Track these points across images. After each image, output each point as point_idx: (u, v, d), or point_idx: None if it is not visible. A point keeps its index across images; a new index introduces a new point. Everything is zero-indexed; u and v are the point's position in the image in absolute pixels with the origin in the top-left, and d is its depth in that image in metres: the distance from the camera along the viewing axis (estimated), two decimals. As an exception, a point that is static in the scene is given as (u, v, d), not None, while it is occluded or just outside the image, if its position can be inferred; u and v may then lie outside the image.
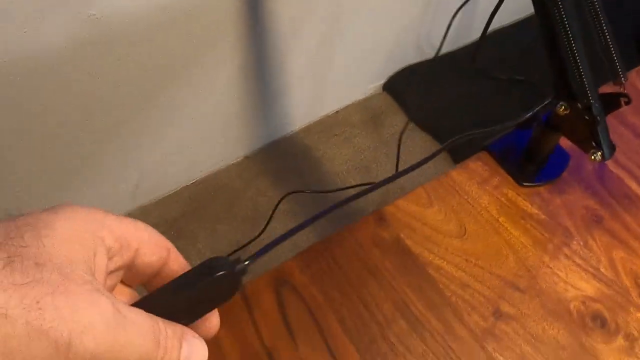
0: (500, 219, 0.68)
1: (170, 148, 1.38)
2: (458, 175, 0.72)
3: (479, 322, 0.61)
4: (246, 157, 1.56)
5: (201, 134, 1.42)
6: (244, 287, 0.63)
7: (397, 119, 1.64)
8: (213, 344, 0.57)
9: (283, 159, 1.55)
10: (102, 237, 0.30)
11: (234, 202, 1.45)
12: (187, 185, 1.49)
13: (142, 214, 1.43)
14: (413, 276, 0.63)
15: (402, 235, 0.66)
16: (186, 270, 0.34)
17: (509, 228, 0.67)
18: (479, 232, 0.67)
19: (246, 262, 0.34)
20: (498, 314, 0.61)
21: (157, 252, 0.34)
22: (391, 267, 0.64)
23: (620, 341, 0.60)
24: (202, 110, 1.36)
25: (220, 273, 0.32)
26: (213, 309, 0.35)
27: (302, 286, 0.63)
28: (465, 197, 0.70)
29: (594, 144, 0.60)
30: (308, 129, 1.62)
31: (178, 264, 0.35)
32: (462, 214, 0.68)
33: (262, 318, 0.61)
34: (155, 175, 1.41)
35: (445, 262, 0.64)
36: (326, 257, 0.64)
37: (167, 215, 1.42)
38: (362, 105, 1.66)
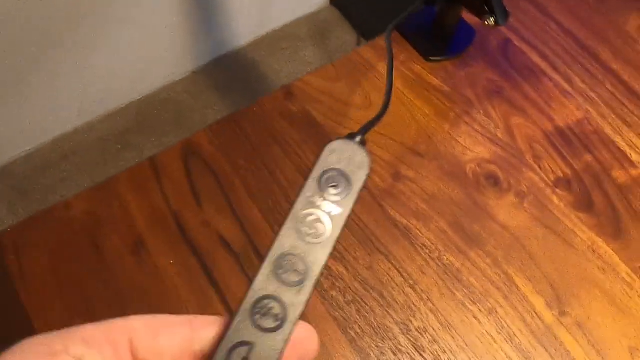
0: (405, 92, 0.70)
1: (114, 63, 1.38)
2: (366, 52, 0.73)
3: (379, 183, 0.64)
4: (194, 72, 1.56)
5: (146, 49, 1.41)
6: (154, 157, 0.65)
7: (344, 33, 1.64)
8: (120, 207, 0.60)
9: (231, 73, 1.55)
10: (55, 353, 0.24)
11: (181, 115, 1.46)
12: (133, 101, 1.50)
13: (89, 129, 1.43)
14: (318, 144, 0.66)
15: (309, 108, 0.68)
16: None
17: (413, 100, 0.70)
18: (384, 103, 0.69)
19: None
20: (397, 177, 0.64)
21: (170, 331, 0.26)
22: (297, 137, 0.66)
23: (511, 198, 0.64)
24: (146, 23, 1.35)
25: None
26: None
27: (210, 156, 0.65)
28: (373, 72, 0.72)
29: (486, 8, 0.62)
30: (255, 44, 1.61)
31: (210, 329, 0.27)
32: (369, 88, 0.70)
33: (170, 185, 0.63)
34: (100, 91, 1.41)
35: (349, 131, 0.67)
36: (234, 129, 0.67)
37: (113, 129, 1.43)
38: (310, 20, 1.66)
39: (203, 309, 0.57)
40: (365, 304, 0.58)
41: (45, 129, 1.39)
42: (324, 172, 0.28)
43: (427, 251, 0.60)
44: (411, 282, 0.59)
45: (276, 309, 0.25)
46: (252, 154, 0.65)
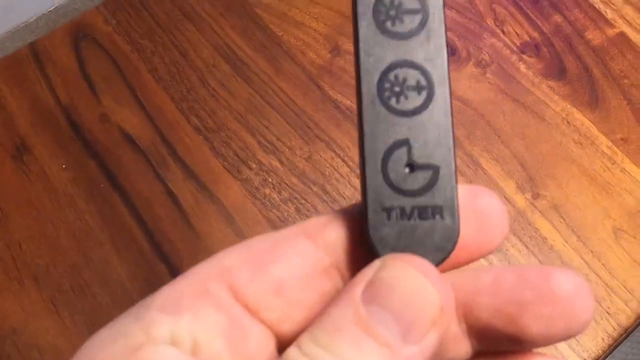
0: (342, -48, 0.58)
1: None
2: None
3: (315, 60, 0.53)
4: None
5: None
6: (34, 43, 0.52)
7: None
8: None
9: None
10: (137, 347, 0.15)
11: None
12: (45, 13, 1.33)
13: None
14: (238, 18, 0.54)
15: (225, -25, 0.56)
16: None
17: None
18: (316, -33, 0.57)
19: None
20: (336, 51, 0.54)
21: (281, 253, 0.17)
22: (212, 9, 0.54)
23: (471, 68, 0.54)
24: None
25: None
26: None
27: (105, 37, 0.53)
28: None
29: None
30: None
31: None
32: (297, -51, 0.58)
33: (57, 75, 0.51)
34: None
35: (275, 0, 0.55)
36: (134, 4, 0.54)
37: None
38: None
39: (106, 220, 0.46)
40: (306, 200, 0.48)
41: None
42: None
43: (376, 135, 0.50)
44: (359, 172, 0.49)
45: (412, 77, 0.16)
46: (159, 32, 0.53)
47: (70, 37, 0.52)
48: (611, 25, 0.56)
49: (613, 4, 0.57)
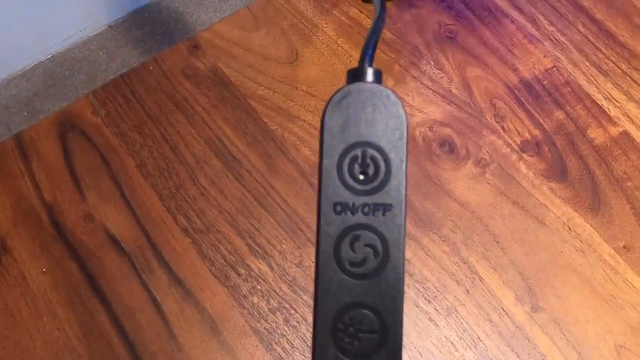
0: (340, 40, 0.57)
1: (12, 17, 1.19)
2: (291, -8, 0.60)
3: (309, 156, 0.51)
4: (110, 27, 1.39)
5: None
6: (20, 134, 0.51)
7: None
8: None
9: (152, 26, 1.39)
10: None
11: (96, 77, 1.30)
12: (41, 61, 1.32)
13: (-10, 95, 1.26)
14: (231, 110, 0.53)
15: (219, 64, 0.55)
16: None
17: (348, 50, 0.57)
18: (313, 56, 0.56)
19: None
20: (332, 147, 0.52)
21: None
22: (205, 101, 0.53)
23: (470, 167, 0.52)
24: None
25: None
26: None
27: (93, 129, 0.51)
28: (299, 17, 0.58)
29: None
30: (179, -7, 1.44)
31: None
32: (295, 37, 0.57)
33: (41, 169, 0.49)
34: (1, 49, 1.23)
35: (271, 92, 0.54)
36: (125, 94, 0.53)
37: (18, 95, 1.26)
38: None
39: (86, 329, 0.44)
40: (295, 310, 0.46)
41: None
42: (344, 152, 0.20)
43: (370, 239, 0.48)
44: (351, 279, 0.47)
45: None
46: (149, 125, 0.52)
47: (57, 128, 0.51)
48: (614, 123, 0.55)
49: (616, 101, 0.56)
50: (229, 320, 0.45)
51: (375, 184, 0.20)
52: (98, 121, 0.51)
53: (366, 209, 0.20)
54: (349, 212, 0.20)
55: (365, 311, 0.19)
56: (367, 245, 0.20)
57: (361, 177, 0.20)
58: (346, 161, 0.20)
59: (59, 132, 0.51)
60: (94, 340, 0.44)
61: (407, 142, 0.20)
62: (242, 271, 0.47)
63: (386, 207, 0.20)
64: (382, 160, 0.20)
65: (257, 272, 0.47)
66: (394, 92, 0.21)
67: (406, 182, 0.20)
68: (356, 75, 0.21)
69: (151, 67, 0.54)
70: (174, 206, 0.48)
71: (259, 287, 0.46)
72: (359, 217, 0.20)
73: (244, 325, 0.45)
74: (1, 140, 0.50)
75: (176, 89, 0.53)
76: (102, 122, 0.51)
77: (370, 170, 0.20)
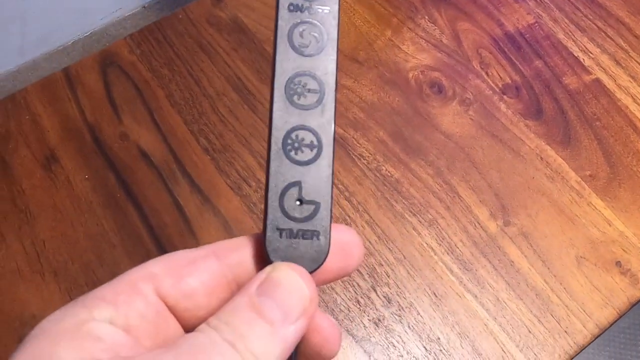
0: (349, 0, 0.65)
1: (55, -3, 1.30)
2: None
3: (314, 92, 0.59)
4: (144, 7, 1.48)
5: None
6: (68, 68, 0.59)
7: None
8: (30, 120, 0.54)
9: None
10: (81, 323, 0.21)
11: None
12: (80, 38, 1.42)
13: (33, 68, 1.36)
14: (248, 52, 0.61)
15: (239, 14, 0.63)
16: None
17: (352, 4, 0.64)
18: (321, 9, 0.64)
19: None
20: (334, 85, 0.60)
21: (194, 269, 0.23)
22: (226, 45, 0.61)
23: (455, 105, 0.60)
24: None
25: None
26: None
27: (129, 65, 0.59)
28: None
29: None
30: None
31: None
32: (306, -7, 0.65)
33: (85, 96, 0.58)
34: (44, 25, 1.33)
35: (283, 38, 0.62)
36: (157, 37, 0.61)
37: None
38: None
39: (120, 225, 0.52)
40: (297, 217, 0.53)
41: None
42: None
43: (365, 162, 0.56)
44: (347, 194, 0.55)
45: (307, 137, 0.23)
46: (177, 63, 0.60)
47: (99, 64, 0.59)
48: (588, 72, 0.62)
49: (591, 53, 0.62)
50: (241, 222, 0.53)
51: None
52: (134, 59, 0.60)
53: None
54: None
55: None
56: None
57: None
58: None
59: (100, 67, 0.59)
60: (127, 234, 0.52)
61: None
62: (253, 183, 0.55)
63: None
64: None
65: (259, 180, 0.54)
66: None
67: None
68: None
69: (180, 16, 0.62)
70: (196, 129, 0.56)
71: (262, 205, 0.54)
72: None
73: (252, 227, 0.53)
74: (52, 73, 0.58)
75: (201, 34, 0.61)
76: (137, 60, 0.60)
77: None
